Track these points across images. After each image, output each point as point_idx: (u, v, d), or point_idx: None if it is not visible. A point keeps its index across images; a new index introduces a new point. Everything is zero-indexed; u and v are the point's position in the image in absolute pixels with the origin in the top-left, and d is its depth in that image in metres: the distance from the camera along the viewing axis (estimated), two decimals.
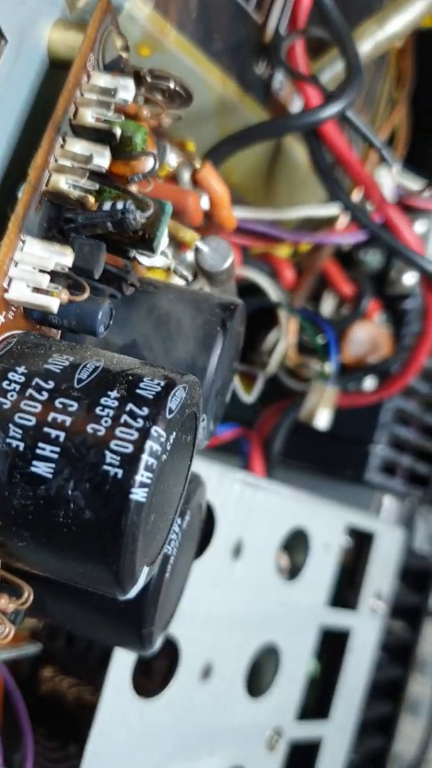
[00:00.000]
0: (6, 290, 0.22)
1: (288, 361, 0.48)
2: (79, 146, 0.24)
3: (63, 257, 0.23)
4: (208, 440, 0.30)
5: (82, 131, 0.24)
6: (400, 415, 0.52)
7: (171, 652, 0.38)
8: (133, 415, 0.21)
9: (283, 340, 0.48)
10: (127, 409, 0.21)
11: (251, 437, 0.53)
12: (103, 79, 0.24)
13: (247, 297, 0.50)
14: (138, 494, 0.20)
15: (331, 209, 0.44)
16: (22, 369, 0.22)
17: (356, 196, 0.42)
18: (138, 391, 0.21)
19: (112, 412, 0.21)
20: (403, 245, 0.36)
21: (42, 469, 0.21)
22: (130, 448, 0.20)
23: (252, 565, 0.40)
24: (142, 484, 0.20)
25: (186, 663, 0.37)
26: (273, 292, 0.48)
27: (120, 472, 0.20)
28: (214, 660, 0.39)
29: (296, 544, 0.45)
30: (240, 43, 0.38)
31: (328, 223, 0.49)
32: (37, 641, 0.39)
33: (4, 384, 0.21)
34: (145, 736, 0.36)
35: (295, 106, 0.40)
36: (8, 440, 0.21)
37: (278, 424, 0.51)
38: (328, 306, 0.49)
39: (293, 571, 0.44)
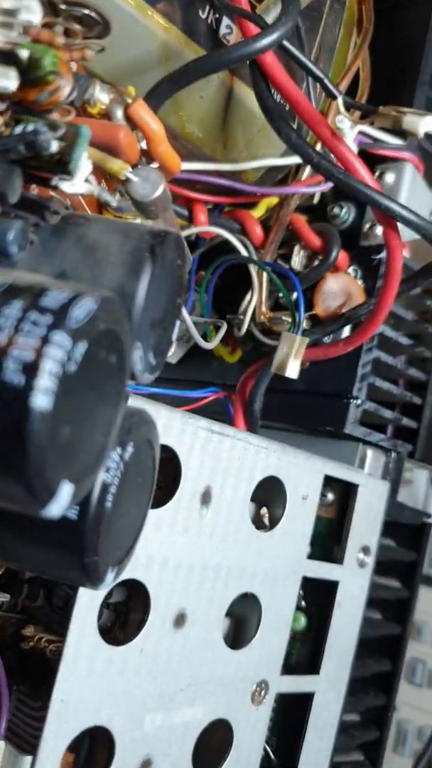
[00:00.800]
0: None
1: (260, 316, 0.48)
2: None
3: None
4: (150, 373, 0.30)
5: None
6: (382, 369, 0.52)
7: (144, 604, 0.38)
8: (35, 324, 0.21)
9: (255, 296, 0.48)
10: (31, 318, 0.21)
11: (233, 399, 0.53)
12: (6, 1, 0.24)
13: (219, 255, 0.50)
14: (39, 400, 0.20)
15: (292, 159, 0.44)
16: None
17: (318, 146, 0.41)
18: (43, 300, 0.21)
19: (13, 322, 0.21)
20: (358, 182, 0.35)
21: None
22: (31, 355, 0.20)
23: (223, 513, 0.40)
24: (45, 391, 0.20)
25: (156, 609, 0.37)
26: (242, 248, 0.48)
27: (21, 378, 0.20)
28: (187, 608, 0.39)
29: (273, 497, 0.44)
30: None
31: (294, 175, 0.48)
32: (15, 605, 0.40)
33: None
34: (116, 683, 0.36)
35: None
36: None
37: (256, 382, 0.51)
38: (298, 259, 0.48)
39: (272, 523, 0.44)
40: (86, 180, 0.26)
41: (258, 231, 0.48)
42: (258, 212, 0.51)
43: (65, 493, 0.23)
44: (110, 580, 0.29)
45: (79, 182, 0.26)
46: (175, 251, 0.29)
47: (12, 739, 0.36)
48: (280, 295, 0.50)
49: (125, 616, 0.39)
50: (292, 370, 0.44)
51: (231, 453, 0.40)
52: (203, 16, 0.38)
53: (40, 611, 0.42)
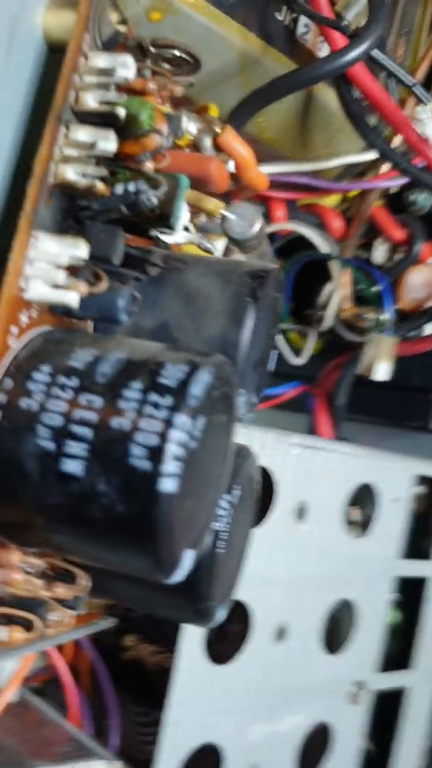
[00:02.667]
0: (24, 290, 0.22)
1: (344, 313, 0.47)
2: (82, 133, 0.23)
3: (76, 250, 0.22)
4: (251, 412, 0.30)
5: (85, 117, 0.24)
6: None
7: (243, 616, 0.38)
8: (156, 406, 0.21)
9: (337, 293, 0.47)
10: (150, 399, 0.21)
11: (315, 394, 0.53)
12: (100, 59, 0.23)
13: (297, 251, 0.49)
14: (167, 485, 0.20)
15: (371, 155, 0.42)
16: (46, 368, 0.22)
17: (396, 141, 0.40)
18: (160, 380, 0.21)
19: (135, 405, 0.21)
20: None
21: (73, 467, 0.21)
22: (155, 440, 0.20)
23: (318, 525, 0.40)
24: (171, 475, 0.20)
25: (258, 626, 0.38)
26: (322, 244, 0.46)
27: (147, 464, 0.20)
28: (288, 621, 0.39)
29: (364, 500, 0.44)
30: None
31: (374, 167, 0.47)
32: (112, 615, 0.41)
33: (29, 385, 0.22)
34: (223, 700, 0.37)
35: (323, 50, 0.38)
36: (38, 441, 0.21)
37: (340, 379, 0.50)
38: (379, 253, 0.47)
39: (365, 524, 0.44)
40: (185, 228, 0.26)
41: (337, 225, 0.47)
42: (332, 200, 0.50)
43: (188, 560, 0.23)
44: (221, 618, 0.30)
45: (179, 233, 0.25)
46: (274, 287, 0.29)
47: (123, 754, 0.38)
48: (358, 286, 0.49)
49: (225, 630, 0.40)
50: (382, 373, 0.43)
51: (323, 465, 0.40)
52: (280, 18, 0.37)
53: (138, 620, 0.43)
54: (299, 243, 0.49)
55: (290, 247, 0.50)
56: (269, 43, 0.37)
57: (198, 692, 0.35)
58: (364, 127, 0.34)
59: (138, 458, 0.20)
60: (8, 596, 0.23)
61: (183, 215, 0.25)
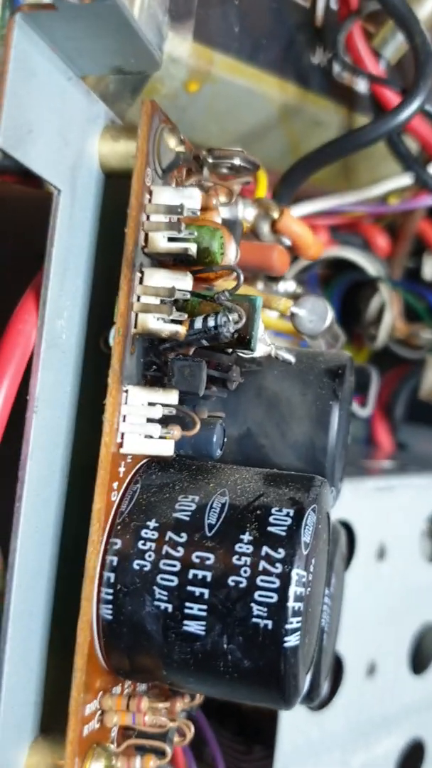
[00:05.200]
0: (121, 445, 0.22)
1: (397, 332, 0.47)
2: (158, 277, 0.23)
3: (168, 400, 0.23)
4: (337, 499, 0.30)
5: (157, 257, 0.23)
6: None
7: (336, 662, 0.39)
8: (270, 560, 0.21)
9: (389, 313, 0.46)
10: (263, 554, 0.21)
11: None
12: (166, 195, 0.23)
13: (343, 272, 0.48)
14: (291, 641, 0.21)
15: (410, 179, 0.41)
16: (152, 523, 0.22)
17: None
18: (269, 528, 0.21)
19: (249, 560, 0.21)
20: None
21: (194, 627, 0.21)
22: (274, 598, 0.21)
23: (397, 560, 0.40)
24: (294, 631, 0.21)
25: (350, 668, 0.39)
26: (370, 266, 0.46)
27: (269, 623, 0.21)
28: (377, 656, 0.40)
29: None
30: (291, 38, 0.35)
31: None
32: None
33: (140, 545, 0.22)
34: (325, 741, 0.38)
35: (361, 85, 0.37)
36: (156, 603, 0.21)
37: (397, 392, 0.50)
38: (429, 268, 0.46)
39: None
40: (260, 339, 0.26)
41: (382, 243, 0.46)
42: None
43: (306, 683, 0.23)
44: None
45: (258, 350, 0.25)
46: (350, 375, 0.29)
47: None
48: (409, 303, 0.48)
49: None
50: None
51: (398, 502, 0.40)
52: (316, 62, 0.35)
53: None
54: (341, 263, 0.49)
55: (333, 267, 0.50)
56: (307, 88, 0.36)
57: (302, 738, 0.36)
58: (414, 166, 0.34)
59: (259, 617, 0.21)
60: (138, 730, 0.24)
61: (261, 334, 0.25)
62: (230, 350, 0.26)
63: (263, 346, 0.26)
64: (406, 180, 0.40)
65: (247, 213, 0.29)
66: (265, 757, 0.40)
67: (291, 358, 0.26)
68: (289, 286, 0.34)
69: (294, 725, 0.36)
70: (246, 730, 0.43)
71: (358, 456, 0.48)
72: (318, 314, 0.28)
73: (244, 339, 0.24)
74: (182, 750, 0.41)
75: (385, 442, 0.52)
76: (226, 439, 0.27)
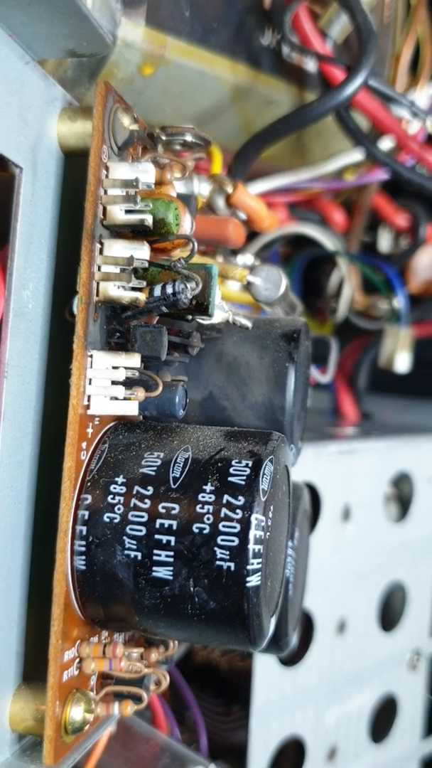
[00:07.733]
0: (88, 407, 0.24)
1: (356, 305, 0.48)
2: (117, 248, 0.24)
3: (131, 363, 0.24)
4: (297, 457, 0.31)
5: (115, 228, 0.25)
6: None
7: (306, 620, 0.41)
8: (231, 507, 0.23)
9: (348, 286, 0.48)
10: (224, 501, 0.23)
11: (335, 376, 0.54)
12: (122, 170, 0.24)
13: (303, 249, 0.50)
14: (252, 581, 0.22)
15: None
16: (120, 479, 0.24)
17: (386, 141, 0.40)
18: (230, 479, 0.23)
19: (211, 508, 0.23)
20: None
21: (162, 572, 0.23)
22: (236, 541, 0.22)
23: (363, 522, 0.42)
24: (255, 571, 0.22)
25: (321, 626, 0.40)
26: (328, 241, 0.47)
27: (232, 565, 0.22)
28: (347, 613, 0.42)
29: (400, 484, 0.46)
30: (241, 21, 0.36)
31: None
32: None
33: (109, 499, 0.23)
34: (298, 697, 0.40)
35: (310, 65, 0.38)
36: (126, 552, 0.23)
37: (359, 363, 0.52)
38: (385, 241, 0.48)
39: (404, 508, 0.46)
40: (218, 306, 0.27)
41: (339, 218, 0.48)
42: None
43: (272, 626, 0.25)
44: (294, 642, 0.32)
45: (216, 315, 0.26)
46: (306, 340, 0.30)
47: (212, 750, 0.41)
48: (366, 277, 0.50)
49: None
50: (402, 364, 0.45)
51: (361, 466, 0.42)
52: (265, 44, 0.37)
53: None
54: (301, 240, 0.50)
55: (294, 243, 0.51)
56: (258, 69, 0.37)
57: (275, 695, 0.38)
58: (364, 142, 0.35)
59: (222, 560, 0.22)
60: (116, 677, 0.26)
61: (218, 300, 0.26)
62: (190, 318, 0.27)
63: (221, 312, 0.27)
64: (357, 155, 0.41)
65: (202, 188, 0.31)
66: (243, 717, 0.42)
67: (248, 323, 0.28)
68: (247, 259, 0.35)
69: (268, 681, 0.38)
70: (224, 692, 0.45)
71: (324, 425, 0.49)
72: (273, 282, 0.29)
73: (202, 305, 0.26)
74: (164, 714, 0.43)
75: (350, 412, 0.54)
76: (188, 401, 0.28)
